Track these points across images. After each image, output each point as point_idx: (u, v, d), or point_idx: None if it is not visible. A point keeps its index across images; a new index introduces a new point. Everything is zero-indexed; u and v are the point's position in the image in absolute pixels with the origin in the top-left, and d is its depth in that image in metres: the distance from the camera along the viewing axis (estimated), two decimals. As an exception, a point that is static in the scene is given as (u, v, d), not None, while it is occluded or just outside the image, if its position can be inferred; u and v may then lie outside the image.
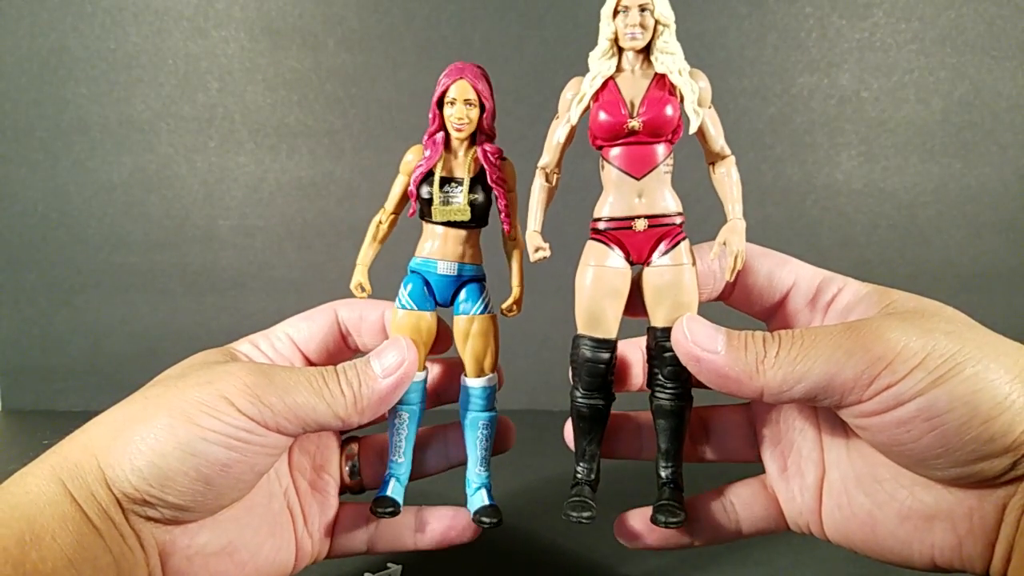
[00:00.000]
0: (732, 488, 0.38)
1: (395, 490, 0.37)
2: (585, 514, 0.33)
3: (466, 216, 0.35)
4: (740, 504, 0.37)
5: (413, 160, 0.36)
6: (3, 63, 0.72)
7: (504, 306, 0.39)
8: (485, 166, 0.35)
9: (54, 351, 0.79)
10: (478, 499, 0.37)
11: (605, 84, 0.33)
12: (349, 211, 0.75)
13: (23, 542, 0.27)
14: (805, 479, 0.35)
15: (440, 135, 0.35)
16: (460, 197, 0.35)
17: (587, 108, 0.34)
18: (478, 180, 0.36)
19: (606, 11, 0.33)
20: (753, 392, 0.30)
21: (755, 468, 0.38)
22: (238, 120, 0.74)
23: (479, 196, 0.35)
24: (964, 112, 0.72)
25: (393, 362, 0.34)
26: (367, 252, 0.38)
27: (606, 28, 0.33)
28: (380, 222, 0.38)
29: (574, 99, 0.34)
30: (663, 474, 0.35)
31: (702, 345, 0.31)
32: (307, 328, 0.39)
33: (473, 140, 0.36)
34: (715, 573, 0.46)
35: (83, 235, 0.76)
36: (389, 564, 0.46)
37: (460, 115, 0.35)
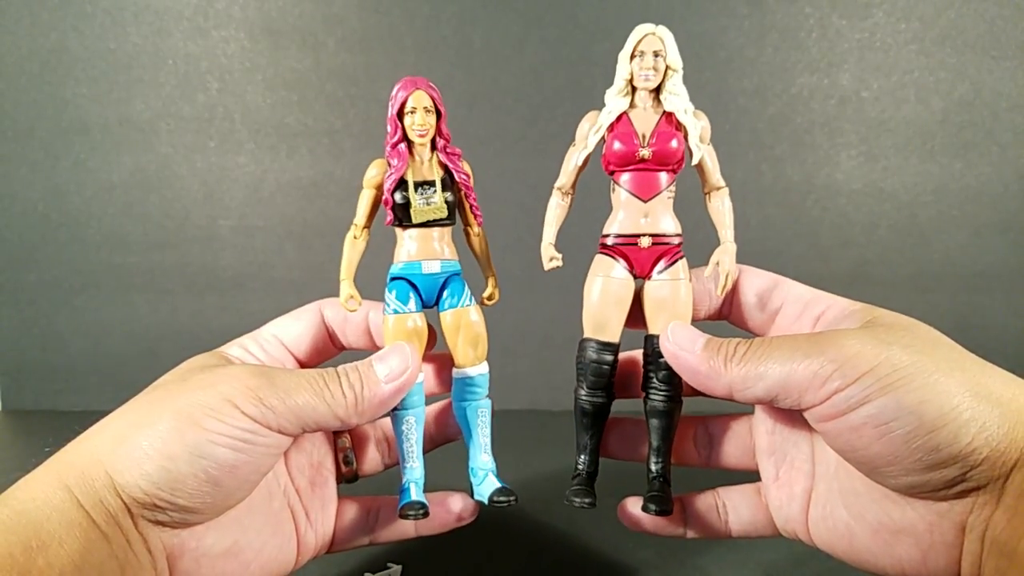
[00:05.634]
0: (725, 491, 0.40)
1: (418, 494, 0.38)
2: (587, 500, 0.37)
3: (444, 213, 0.38)
4: (731, 506, 0.40)
5: (378, 174, 0.39)
6: (3, 63, 0.72)
7: (485, 295, 0.41)
8: (451, 167, 0.38)
9: (54, 351, 0.79)
10: (489, 484, 0.38)
11: (619, 118, 0.37)
12: (349, 211, 0.74)
13: (29, 548, 0.27)
14: (794, 489, 0.37)
15: (403, 145, 0.38)
16: (436, 197, 0.37)
17: (603, 138, 0.38)
18: (447, 180, 0.38)
19: (624, 55, 0.37)
20: (722, 388, 0.33)
21: (752, 477, 0.40)
22: (238, 120, 0.74)
23: (451, 194, 0.38)
24: (964, 112, 0.72)
25: (397, 368, 0.35)
26: (348, 268, 0.39)
27: (623, 69, 0.37)
28: (355, 237, 0.39)
29: (591, 129, 0.38)
30: (654, 468, 0.38)
31: (681, 345, 0.34)
32: (295, 328, 0.40)
33: (433, 146, 0.39)
34: (710, 564, 0.46)
35: (83, 235, 0.76)
36: (389, 564, 0.46)
37: (422, 122, 0.37)
